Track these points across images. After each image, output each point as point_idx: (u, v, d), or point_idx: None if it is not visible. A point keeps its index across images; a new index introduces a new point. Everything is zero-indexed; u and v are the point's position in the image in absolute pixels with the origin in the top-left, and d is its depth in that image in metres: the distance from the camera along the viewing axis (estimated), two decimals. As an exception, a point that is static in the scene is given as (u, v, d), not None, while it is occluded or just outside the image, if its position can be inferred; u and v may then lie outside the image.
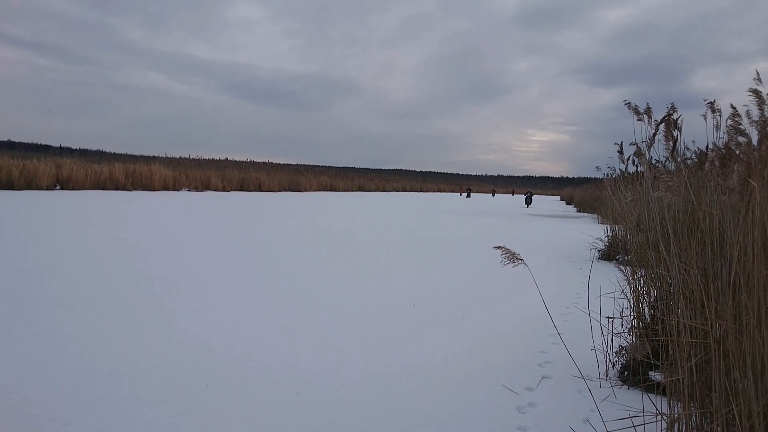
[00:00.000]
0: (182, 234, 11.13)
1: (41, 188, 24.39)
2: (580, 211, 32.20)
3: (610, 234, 9.42)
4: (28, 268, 6.54)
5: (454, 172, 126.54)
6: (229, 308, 5.17)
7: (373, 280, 6.97)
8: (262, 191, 38.21)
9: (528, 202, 36.38)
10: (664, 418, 2.04)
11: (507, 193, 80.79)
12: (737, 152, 2.24)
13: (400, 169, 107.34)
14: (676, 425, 1.98)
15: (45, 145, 54.10)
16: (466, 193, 55.24)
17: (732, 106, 2.55)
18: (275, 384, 3.34)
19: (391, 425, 2.85)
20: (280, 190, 40.51)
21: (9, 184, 23.13)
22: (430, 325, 4.93)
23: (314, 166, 71.16)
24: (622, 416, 2.56)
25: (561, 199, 59.42)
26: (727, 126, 2.38)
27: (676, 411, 2.02)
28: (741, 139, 2.37)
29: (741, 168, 1.97)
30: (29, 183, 24.02)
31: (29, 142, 56.52)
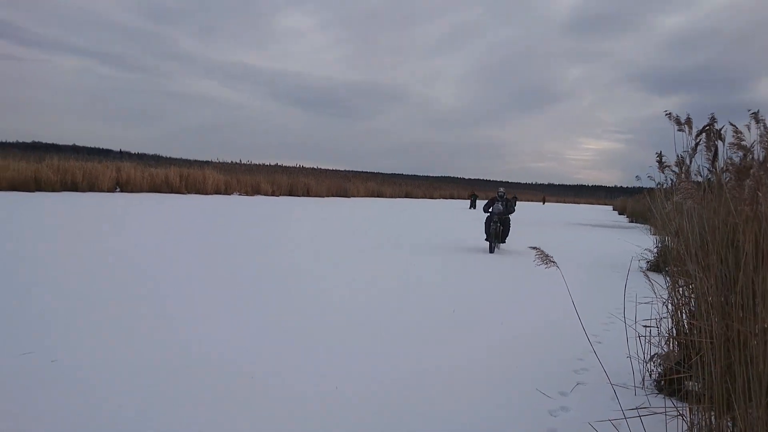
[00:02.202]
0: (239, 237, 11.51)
1: (102, 190, 25.57)
2: (632, 221, 31.39)
3: (659, 244, 9.23)
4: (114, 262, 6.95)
5: (504, 180, 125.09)
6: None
7: (414, 285, 7.07)
8: (310, 196, 38.82)
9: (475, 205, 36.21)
10: (684, 419, 2.07)
11: (537, 201, 79.41)
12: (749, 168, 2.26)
13: (448, 177, 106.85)
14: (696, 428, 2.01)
15: (106, 150, 56.51)
16: (469, 202, 39.42)
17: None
18: (330, 377, 3.51)
19: (426, 423, 2.95)
20: (327, 196, 41.06)
21: (74, 186, 24.34)
22: (469, 330, 5.00)
23: (361, 172, 71.67)
24: (655, 428, 2.59)
25: (613, 209, 57.95)
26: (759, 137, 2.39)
27: (698, 415, 2.06)
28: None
29: (752, 183, 2.01)
30: (92, 185, 25.23)
31: (91, 146, 59.14)
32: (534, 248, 2.74)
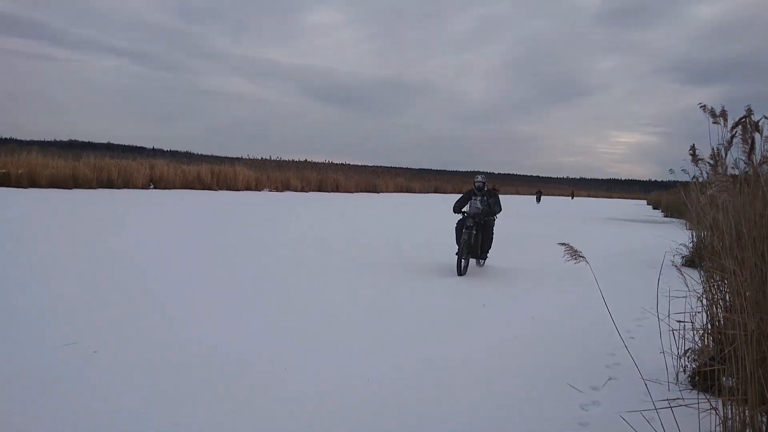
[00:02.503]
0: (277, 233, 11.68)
1: (137, 187, 26.10)
2: (666, 216, 30.75)
3: (695, 239, 9.05)
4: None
5: (533, 175, 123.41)
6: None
7: (444, 280, 7.08)
8: (339, 192, 39.00)
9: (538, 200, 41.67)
10: (718, 413, 2.06)
11: (566, 195, 77.74)
12: None
13: (478, 171, 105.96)
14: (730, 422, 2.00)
15: (139, 147, 57.72)
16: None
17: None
18: (360, 367, 3.57)
19: (458, 415, 2.98)
20: (356, 192, 41.17)
21: (109, 184, 24.91)
22: (500, 324, 5.01)
23: (390, 167, 71.63)
24: (686, 420, 2.57)
25: (647, 204, 56.81)
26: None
27: (732, 409, 2.05)
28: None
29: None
30: (126, 182, 25.78)
31: (125, 144, 60.46)
32: (562, 244, 2.74)
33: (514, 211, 28.21)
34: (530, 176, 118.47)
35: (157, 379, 3.28)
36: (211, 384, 3.27)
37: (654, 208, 44.72)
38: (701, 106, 3.59)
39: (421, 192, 50.13)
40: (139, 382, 3.25)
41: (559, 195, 76.62)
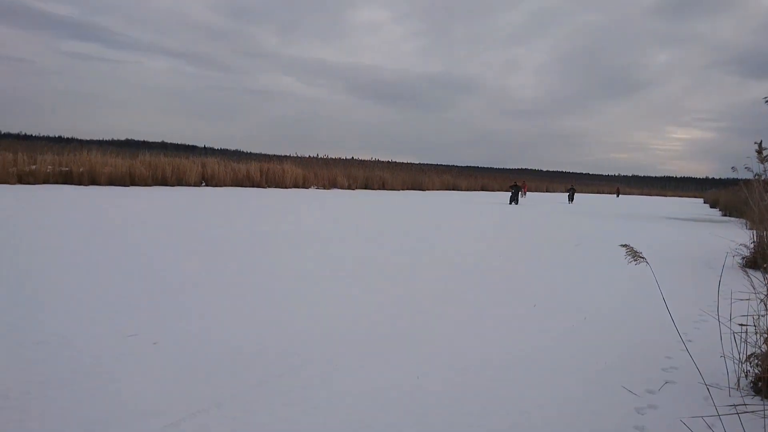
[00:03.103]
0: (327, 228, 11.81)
1: (189, 185, 26.91)
2: (725, 215, 29.57)
3: (756, 239, 8.66)
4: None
5: (584, 172, 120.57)
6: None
7: (494, 280, 7.02)
8: (385, 190, 39.12)
9: (570, 198, 38.61)
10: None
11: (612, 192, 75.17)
12: None
13: (526, 169, 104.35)
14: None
15: (191, 146, 59.47)
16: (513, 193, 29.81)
17: None
18: (415, 365, 3.58)
19: (507, 413, 2.96)
20: (402, 189, 41.23)
21: (164, 181, 25.78)
22: (551, 324, 4.92)
23: (437, 165, 71.40)
24: (751, 427, 2.47)
25: (704, 202, 54.76)
26: None
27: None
28: None
29: None
30: (180, 180, 26.63)
31: (178, 143, 62.30)
32: (624, 246, 2.68)
33: (571, 208, 27.77)
34: (580, 173, 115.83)
35: (211, 374, 3.37)
36: (265, 380, 3.33)
37: (711, 207, 43.08)
38: (766, 100, 3.43)
39: (467, 189, 49.75)
40: (192, 376, 3.34)
41: (604, 193, 74.64)
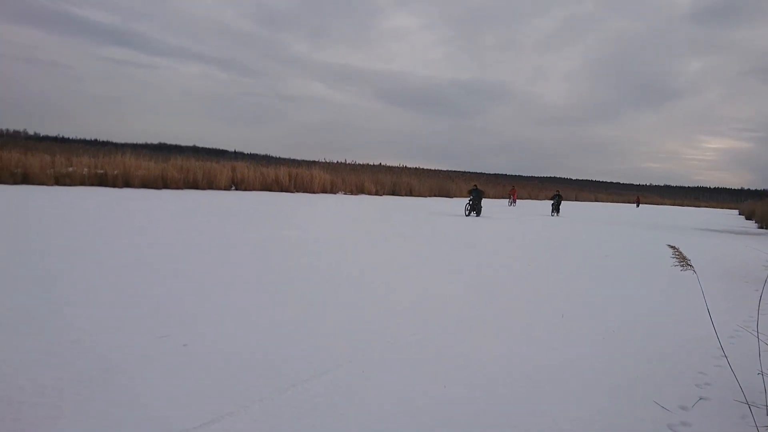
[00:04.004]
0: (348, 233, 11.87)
1: (220, 188, 27.28)
2: (761, 227, 28.81)
3: (794, 253, 8.42)
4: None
5: (615, 181, 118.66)
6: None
7: (521, 289, 6.94)
8: (413, 196, 39.07)
9: (555, 209, 27.21)
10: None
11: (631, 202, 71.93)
12: None
13: (555, 177, 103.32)
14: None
15: (222, 150, 60.32)
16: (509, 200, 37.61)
17: None
18: (453, 376, 3.57)
19: (537, 425, 2.92)
20: (430, 196, 41.12)
21: (195, 185, 26.18)
22: (579, 335, 4.85)
23: (465, 172, 71.13)
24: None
25: (739, 214, 53.40)
26: None
27: None
28: None
29: None
30: (210, 184, 27.00)
31: (209, 147, 63.30)
32: (672, 247, 2.62)
33: (601, 217, 27.27)
34: (610, 182, 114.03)
35: (240, 377, 3.40)
36: (292, 385, 3.35)
37: (747, 219, 42.01)
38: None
39: (495, 197, 49.36)
40: (221, 379, 3.38)
41: (622, 202, 73.12)
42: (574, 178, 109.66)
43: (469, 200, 21.07)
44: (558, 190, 29.15)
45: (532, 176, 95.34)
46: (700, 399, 3.44)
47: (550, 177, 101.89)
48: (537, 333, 4.82)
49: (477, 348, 4.26)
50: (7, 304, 4.54)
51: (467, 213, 20.79)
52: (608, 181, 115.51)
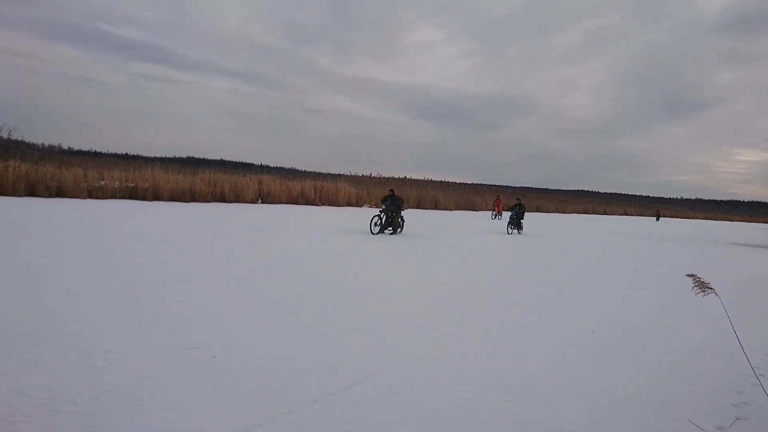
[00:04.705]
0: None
1: (246, 201, 27.59)
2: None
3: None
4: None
5: (644, 194, 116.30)
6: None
7: (552, 302, 6.86)
8: (438, 209, 38.96)
9: (513, 224, 19.63)
10: None
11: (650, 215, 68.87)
12: None
13: (581, 190, 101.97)
14: None
15: (248, 163, 61.11)
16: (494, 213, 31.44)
17: None
18: (476, 389, 3.55)
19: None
20: (455, 209, 40.95)
21: (222, 198, 26.54)
22: (610, 352, 4.77)
23: (490, 185, 70.78)
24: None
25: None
26: None
27: None
28: None
29: None
30: (237, 197, 27.34)
31: (236, 160, 64.12)
32: (690, 276, 2.58)
33: (629, 230, 26.80)
34: (639, 196, 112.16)
35: (267, 389, 3.42)
36: (319, 397, 3.36)
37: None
38: None
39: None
40: (249, 390, 3.41)
41: (652, 215, 71.73)
42: (602, 191, 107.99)
43: (380, 211, 15.37)
44: (519, 198, 20.92)
45: (558, 189, 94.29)
46: (738, 419, 3.35)
47: (578, 190, 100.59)
48: (567, 349, 4.75)
49: (504, 363, 4.22)
50: (39, 314, 4.64)
51: (375, 230, 15.00)
52: (637, 194, 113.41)
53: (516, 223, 19.53)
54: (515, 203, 19.89)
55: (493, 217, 31.20)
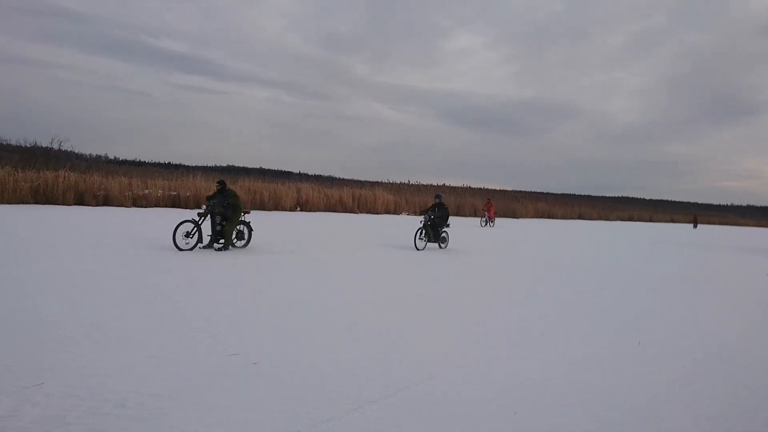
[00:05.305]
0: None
1: (285, 209, 27.94)
2: None
3: None
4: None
5: (691, 201, 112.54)
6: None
7: (593, 312, 6.72)
8: (476, 217, 38.67)
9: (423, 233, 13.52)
10: None
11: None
12: None
13: (626, 197, 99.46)
14: None
15: (287, 172, 61.84)
16: (484, 219, 27.61)
17: None
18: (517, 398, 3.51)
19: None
20: (495, 217, 40.57)
21: (261, 206, 26.95)
22: (658, 364, 4.63)
23: (530, 192, 69.87)
24: None
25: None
26: None
27: None
28: None
29: None
30: (276, 205, 27.73)
31: (275, 169, 65.01)
32: None
33: (680, 239, 26.04)
34: (686, 203, 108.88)
35: (308, 396, 3.45)
36: (360, 406, 3.37)
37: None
38: None
39: (563, 218, 48.15)
40: (289, 397, 3.44)
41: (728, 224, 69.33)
42: (647, 197, 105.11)
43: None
44: (439, 195, 14.08)
45: (602, 196, 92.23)
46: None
47: (622, 197, 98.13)
48: (613, 362, 4.64)
49: (547, 374, 4.15)
50: (90, 319, 4.79)
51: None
52: (684, 200, 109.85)
53: (432, 233, 13.49)
54: (434, 203, 13.79)
55: (483, 223, 27.55)
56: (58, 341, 4.12)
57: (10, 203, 18.61)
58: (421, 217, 13.96)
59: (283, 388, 3.52)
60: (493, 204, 28.47)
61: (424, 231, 13.21)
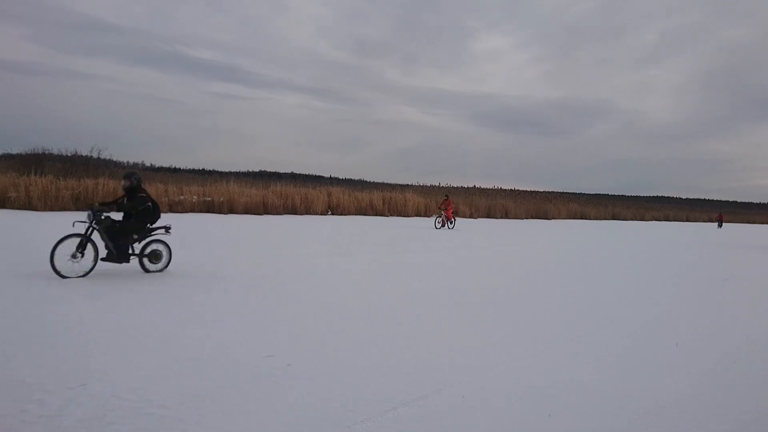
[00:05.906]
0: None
1: (316, 213, 28.19)
2: None
3: None
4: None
5: (730, 200, 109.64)
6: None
7: (629, 314, 6.62)
8: (508, 219, 38.38)
9: None
10: None
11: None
12: None
13: (661, 196, 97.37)
14: None
15: (318, 176, 62.26)
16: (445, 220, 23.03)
17: None
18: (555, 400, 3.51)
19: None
20: (526, 218, 40.21)
21: (293, 210, 27.26)
22: (694, 365, 4.56)
23: (563, 193, 68.99)
24: None
25: None
26: None
27: None
28: None
29: None
30: (308, 209, 28.01)
31: (306, 173, 65.53)
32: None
33: (722, 239, 25.42)
34: (725, 201, 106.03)
35: (341, 399, 3.50)
36: (393, 407, 3.40)
37: None
38: None
39: (596, 219, 47.43)
40: (322, 400, 3.48)
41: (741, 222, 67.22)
42: (683, 197, 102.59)
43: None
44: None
45: (636, 196, 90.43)
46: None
47: (658, 196, 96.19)
48: (650, 363, 4.58)
49: (582, 376, 4.12)
50: (131, 322, 4.94)
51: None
52: (722, 199, 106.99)
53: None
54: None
55: (439, 225, 23.08)
56: (102, 344, 4.27)
57: (52, 210, 19.19)
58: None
59: (317, 389, 3.58)
60: (452, 201, 24.24)
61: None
